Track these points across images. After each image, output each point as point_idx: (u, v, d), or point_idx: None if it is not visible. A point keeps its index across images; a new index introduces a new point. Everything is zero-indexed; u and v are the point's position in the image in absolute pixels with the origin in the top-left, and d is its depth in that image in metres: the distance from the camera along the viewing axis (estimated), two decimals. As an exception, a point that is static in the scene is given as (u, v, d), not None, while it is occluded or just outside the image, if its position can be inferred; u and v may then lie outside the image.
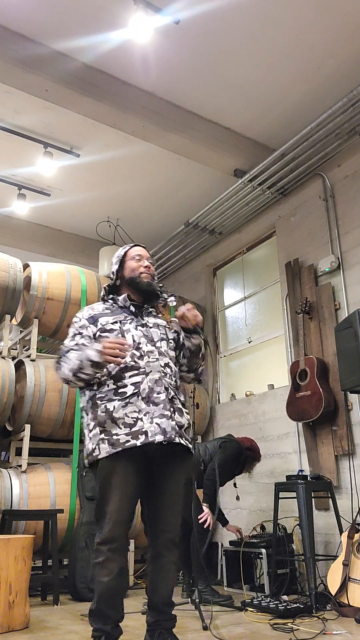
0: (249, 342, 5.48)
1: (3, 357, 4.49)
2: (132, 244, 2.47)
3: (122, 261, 2.41)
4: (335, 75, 4.05)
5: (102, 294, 2.44)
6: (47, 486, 4.12)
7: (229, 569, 4.13)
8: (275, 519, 3.77)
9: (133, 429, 2.08)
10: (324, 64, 3.95)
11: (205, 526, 3.61)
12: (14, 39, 3.71)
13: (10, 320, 4.80)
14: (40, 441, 4.63)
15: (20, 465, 4.22)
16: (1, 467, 4.29)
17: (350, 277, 4.26)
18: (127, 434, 2.07)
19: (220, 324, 6.01)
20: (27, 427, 4.32)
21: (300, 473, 3.86)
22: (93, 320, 2.30)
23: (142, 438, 2.06)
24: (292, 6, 3.49)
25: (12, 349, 5.36)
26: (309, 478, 3.65)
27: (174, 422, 2.14)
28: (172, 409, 2.16)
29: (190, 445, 2.23)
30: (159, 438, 2.08)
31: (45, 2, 3.48)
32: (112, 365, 2.15)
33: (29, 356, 4.66)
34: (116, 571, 2.04)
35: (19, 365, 4.62)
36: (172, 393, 2.20)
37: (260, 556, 3.88)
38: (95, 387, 2.20)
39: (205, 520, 3.62)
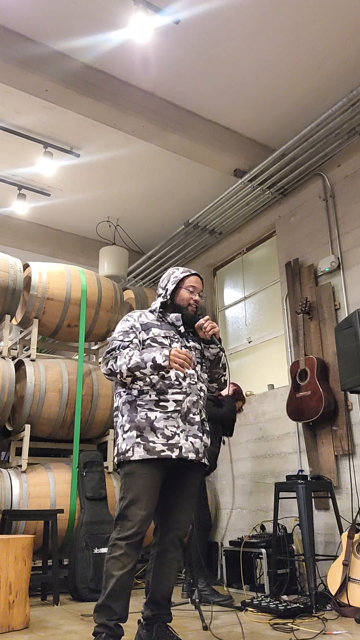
0: (249, 342, 5.48)
1: (3, 357, 4.49)
2: (191, 272, 2.56)
3: (177, 285, 2.51)
4: (335, 75, 4.05)
5: (153, 307, 2.52)
6: (47, 486, 4.12)
7: (229, 569, 4.13)
8: (275, 519, 3.77)
9: (170, 441, 2.23)
10: (324, 63, 3.95)
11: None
12: (14, 39, 3.71)
13: (10, 320, 4.80)
14: (40, 441, 4.63)
15: (20, 465, 4.22)
16: (1, 467, 4.29)
17: (350, 277, 4.26)
18: (163, 444, 2.22)
19: (220, 324, 6.01)
20: (27, 427, 4.32)
21: (300, 473, 3.86)
22: (146, 327, 2.41)
23: (176, 452, 2.23)
24: (291, 6, 3.49)
25: (12, 349, 5.36)
26: (309, 478, 3.65)
27: (202, 443, 2.32)
28: (202, 430, 2.34)
29: (208, 464, 2.41)
30: (192, 456, 2.26)
31: (45, 2, 3.48)
32: (155, 377, 2.29)
33: (29, 356, 4.66)
34: (130, 567, 2.13)
35: (19, 365, 4.61)
36: (204, 415, 2.38)
37: (260, 556, 3.88)
38: (136, 394, 2.32)
39: None
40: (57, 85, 3.88)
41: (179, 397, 2.29)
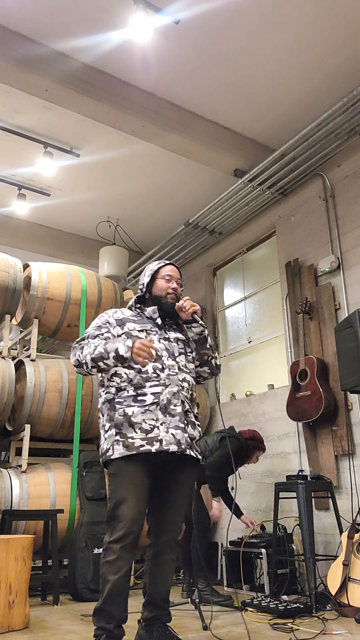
0: (249, 342, 5.48)
1: (3, 357, 4.49)
2: (166, 262, 2.55)
3: (153, 277, 2.50)
4: (335, 75, 4.05)
5: (130, 303, 2.53)
6: (47, 486, 4.12)
7: (229, 569, 4.13)
8: (275, 519, 3.77)
9: (149, 435, 2.17)
10: (324, 63, 3.95)
11: (213, 520, 3.75)
12: (14, 39, 3.71)
13: (10, 320, 4.80)
14: (40, 441, 4.63)
15: (20, 465, 4.22)
16: (1, 467, 4.29)
17: (350, 277, 4.26)
18: (142, 439, 2.17)
19: (220, 324, 6.01)
20: (27, 427, 4.32)
21: (300, 473, 3.85)
22: (121, 322, 2.39)
23: (156, 445, 2.16)
24: (291, 6, 3.49)
25: (12, 349, 5.36)
26: (309, 478, 3.65)
27: (186, 435, 2.25)
28: (185, 422, 2.27)
29: (199, 457, 2.34)
30: (173, 448, 2.18)
31: (45, 2, 3.48)
32: (132, 372, 2.26)
33: (29, 356, 4.66)
34: (125, 570, 2.09)
35: (19, 365, 4.62)
36: (187, 406, 2.31)
37: (260, 556, 3.88)
38: (114, 391, 2.28)
39: (216, 516, 3.80)
40: (57, 85, 3.88)
41: (158, 389, 2.24)
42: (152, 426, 2.18)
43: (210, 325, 6.01)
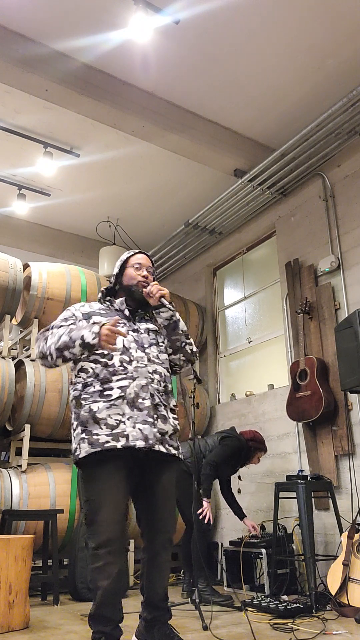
0: (249, 342, 5.48)
1: (3, 357, 4.50)
2: (135, 251, 2.49)
3: (122, 267, 2.44)
4: (335, 75, 4.05)
5: (99, 295, 2.47)
6: (47, 486, 4.12)
7: (229, 569, 4.13)
8: (275, 519, 3.77)
9: (114, 431, 2.08)
10: (324, 64, 3.95)
11: (205, 521, 3.61)
12: (14, 39, 3.71)
13: (10, 320, 4.81)
14: (40, 441, 4.63)
15: (20, 465, 4.22)
16: (1, 467, 4.29)
17: (350, 277, 4.26)
18: (107, 435, 2.08)
19: (220, 324, 6.01)
20: (27, 427, 4.32)
21: (300, 473, 3.86)
22: (87, 316, 2.32)
23: (122, 441, 2.07)
24: (291, 6, 3.49)
25: (12, 349, 5.36)
26: (309, 478, 3.65)
27: (155, 429, 2.15)
28: (155, 416, 2.17)
29: (174, 452, 2.23)
30: (140, 444, 2.09)
31: (45, 2, 3.48)
32: (98, 366, 2.18)
33: (29, 356, 4.66)
34: (115, 574, 2.02)
35: (19, 365, 4.62)
36: (158, 400, 2.21)
37: (260, 556, 3.88)
38: (80, 388, 2.21)
39: (206, 515, 3.62)
40: (57, 85, 3.88)
41: (125, 382, 2.15)
42: (117, 421, 2.09)
43: (210, 325, 6.01)
